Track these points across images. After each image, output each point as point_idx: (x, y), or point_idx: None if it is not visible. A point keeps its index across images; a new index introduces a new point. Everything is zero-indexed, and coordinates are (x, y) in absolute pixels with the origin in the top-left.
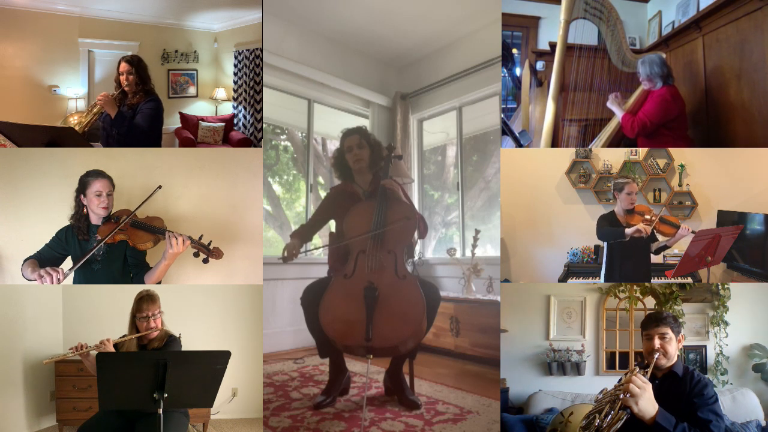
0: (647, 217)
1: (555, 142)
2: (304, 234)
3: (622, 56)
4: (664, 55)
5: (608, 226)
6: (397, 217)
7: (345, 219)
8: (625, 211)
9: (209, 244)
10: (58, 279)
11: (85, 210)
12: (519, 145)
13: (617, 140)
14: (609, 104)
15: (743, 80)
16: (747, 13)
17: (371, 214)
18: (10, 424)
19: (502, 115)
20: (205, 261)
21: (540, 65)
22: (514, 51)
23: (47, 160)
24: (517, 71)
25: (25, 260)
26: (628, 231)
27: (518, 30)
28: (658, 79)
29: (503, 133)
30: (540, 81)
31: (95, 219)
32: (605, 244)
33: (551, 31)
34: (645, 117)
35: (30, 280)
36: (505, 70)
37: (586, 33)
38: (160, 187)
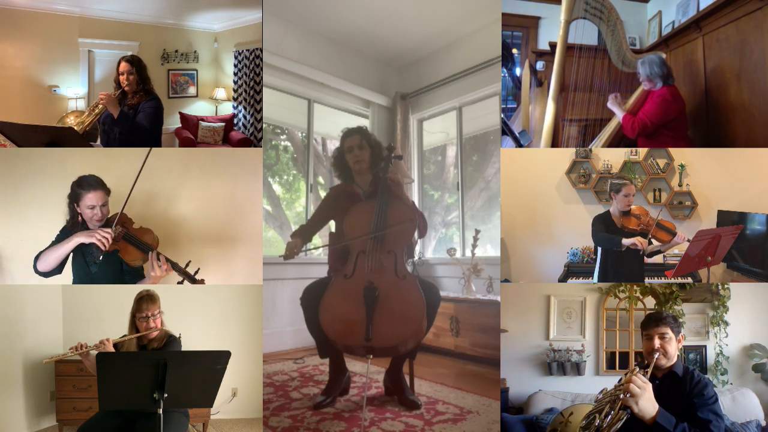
0: (643, 219)
1: (555, 142)
2: (304, 233)
3: (623, 56)
4: (664, 55)
5: (604, 228)
6: (397, 218)
7: (345, 219)
8: (621, 212)
9: (196, 272)
10: (111, 238)
11: (80, 218)
12: (519, 145)
13: (617, 140)
14: (609, 105)
15: (743, 80)
16: (747, 13)
17: (371, 215)
18: (10, 424)
19: (502, 115)
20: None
21: (540, 65)
22: (514, 51)
23: (47, 160)
24: (517, 71)
25: (38, 256)
26: (625, 242)
27: (518, 30)
28: (657, 80)
29: (503, 133)
30: (540, 81)
31: (92, 225)
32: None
33: (551, 31)
34: (645, 117)
35: (46, 273)
36: (505, 70)
37: (586, 33)
38: (150, 150)
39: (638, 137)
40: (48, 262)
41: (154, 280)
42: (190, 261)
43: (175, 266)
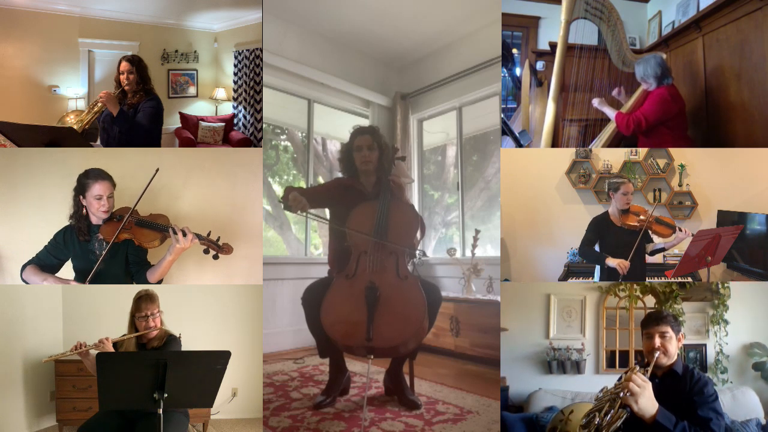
0: (642, 217)
1: (555, 143)
2: (309, 198)
3: (623, 56)
4: (664, 56)
5: (595, 237)
6: (399, 220)
7: (348, 219)
8: (620, 211)
9: (218, 240)
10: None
11: (84, 211)
12: (519, 145)
13: (617, 140)
14: (598, 105)
15: (743, 80)
16: (747, 13)
17: (373, 216)
18: (10, 424)
19: (502, 115)
20: (215, 257)
21: (540, 65)
22: (514, 51)
23: (47, 160)
24: (517, 71)
25: (25, 266)
26: (610, 263)
27: (518, 30)
28: (655, 79)
29: (503, 133)
30: (540, 81)
31: (95, 219)
32: (598, 245)
33: (551, 31)
34: (641, 114)
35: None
36: (505, 70)
37: (586, 33)
38: (158, 170)
39: (634, 135)
40: (30, 280)
41: (176, 254)
42: (210, 231)
43: (198, 236)
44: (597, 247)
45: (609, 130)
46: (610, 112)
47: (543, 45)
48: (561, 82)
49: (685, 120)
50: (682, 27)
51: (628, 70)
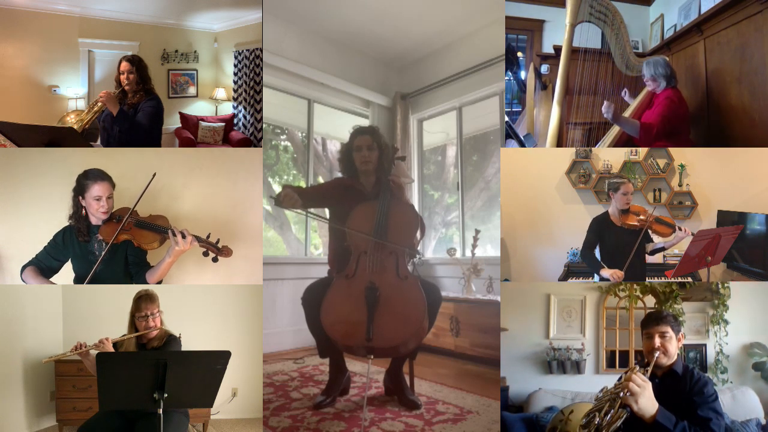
0: (641, 217)
1: (559, 146)
2: (303, 196)
3: (626, 60)
4: (667, 59)
5: (596, 239)
6: (399, 220)
7: (348, 218)
8: (620, 211)
9: (217, 242)
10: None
11: (84, 211)
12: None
13: (621, 143)
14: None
15: (744, 84)
16: (748, 17)
17: (373, 216)
18: (10, 424)
19: (507, 119)
20: (215, 260)
21: (545, 69)
22: (519, 54)
23: (47, 160)
24: (522, 75)
25: (24, 267)
26: (604, 274)
27: (523, 33)
28: (662, 79)
29: (508, 136)
30: (545, 84)
31: (95, 220)
32: (597, 246)
33: (556, 35)
34: (659, 118)
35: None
36: (510, 73)
37: (590, 36)
38: (155, 174)
39: (655, 140)
40: (29, 282)
41: (175, 256)
42: (210, 233)
43: (198, 238)
44: (598, 248)
45: (613, 133)
46: (632, 129)
47: (548, 48)
48: (565, 85)
49: (688, 125)
50: (684, 30)
51: (631, 74)
